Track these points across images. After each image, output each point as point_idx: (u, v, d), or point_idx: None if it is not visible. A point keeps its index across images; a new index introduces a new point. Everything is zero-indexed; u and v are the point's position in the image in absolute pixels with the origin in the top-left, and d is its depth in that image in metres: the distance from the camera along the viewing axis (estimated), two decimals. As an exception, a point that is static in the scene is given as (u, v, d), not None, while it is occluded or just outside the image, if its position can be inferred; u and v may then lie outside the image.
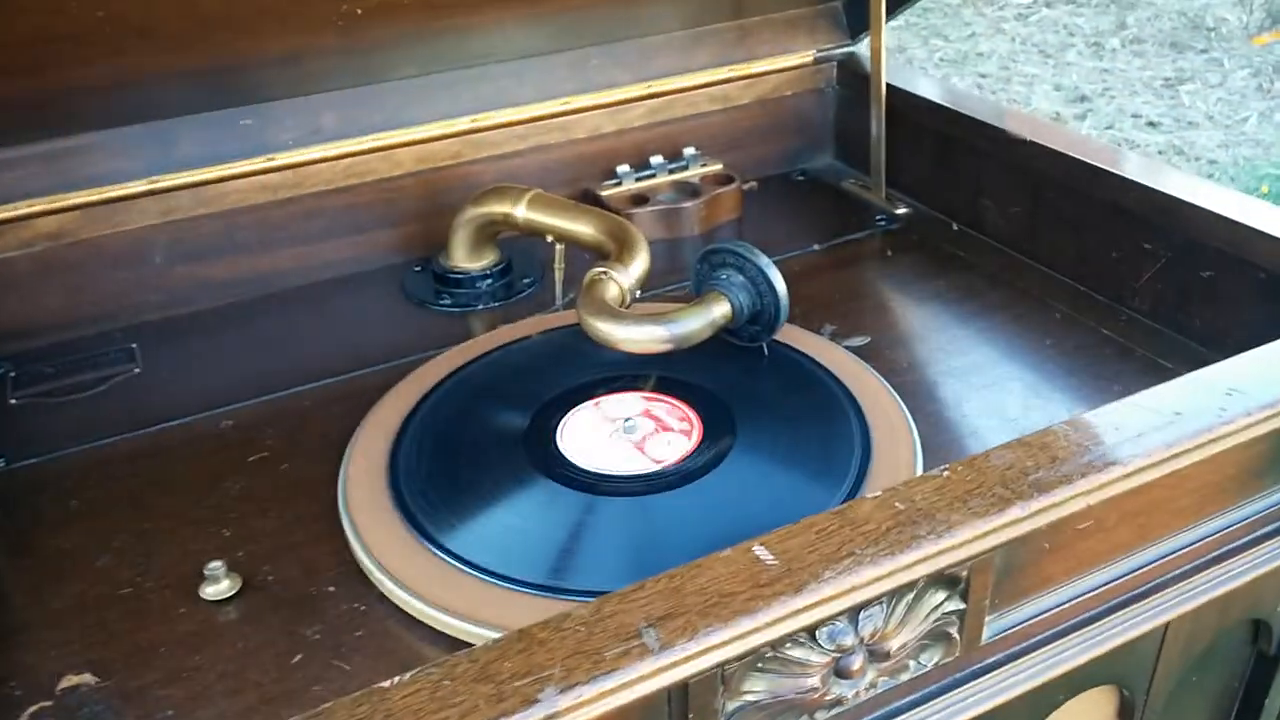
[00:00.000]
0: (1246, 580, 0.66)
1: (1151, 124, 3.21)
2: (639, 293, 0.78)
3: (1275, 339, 0.64)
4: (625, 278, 0.76)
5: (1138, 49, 3.71)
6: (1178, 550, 0.63)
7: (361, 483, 0.68)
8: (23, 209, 0.84)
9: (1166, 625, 0.65)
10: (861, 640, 0.51)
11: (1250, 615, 0.72)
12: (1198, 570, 0.64)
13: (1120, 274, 0.87)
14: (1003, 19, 4.02)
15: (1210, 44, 3.73)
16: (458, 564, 0.61)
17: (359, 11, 0.82)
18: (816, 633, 0.50)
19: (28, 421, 0.79)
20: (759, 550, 0.49)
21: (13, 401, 0.81)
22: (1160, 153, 3.04)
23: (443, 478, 0.68)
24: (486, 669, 0.43)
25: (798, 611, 0.47)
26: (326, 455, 0.73)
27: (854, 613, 0.50)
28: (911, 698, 0.57)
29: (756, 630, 0.46)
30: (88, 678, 0.58)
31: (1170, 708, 0.73)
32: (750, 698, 0.50)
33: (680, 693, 0.47)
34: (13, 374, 0.84)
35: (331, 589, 0.63)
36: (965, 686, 0.58)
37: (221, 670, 0.58)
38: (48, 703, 0.56)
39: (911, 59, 3.69)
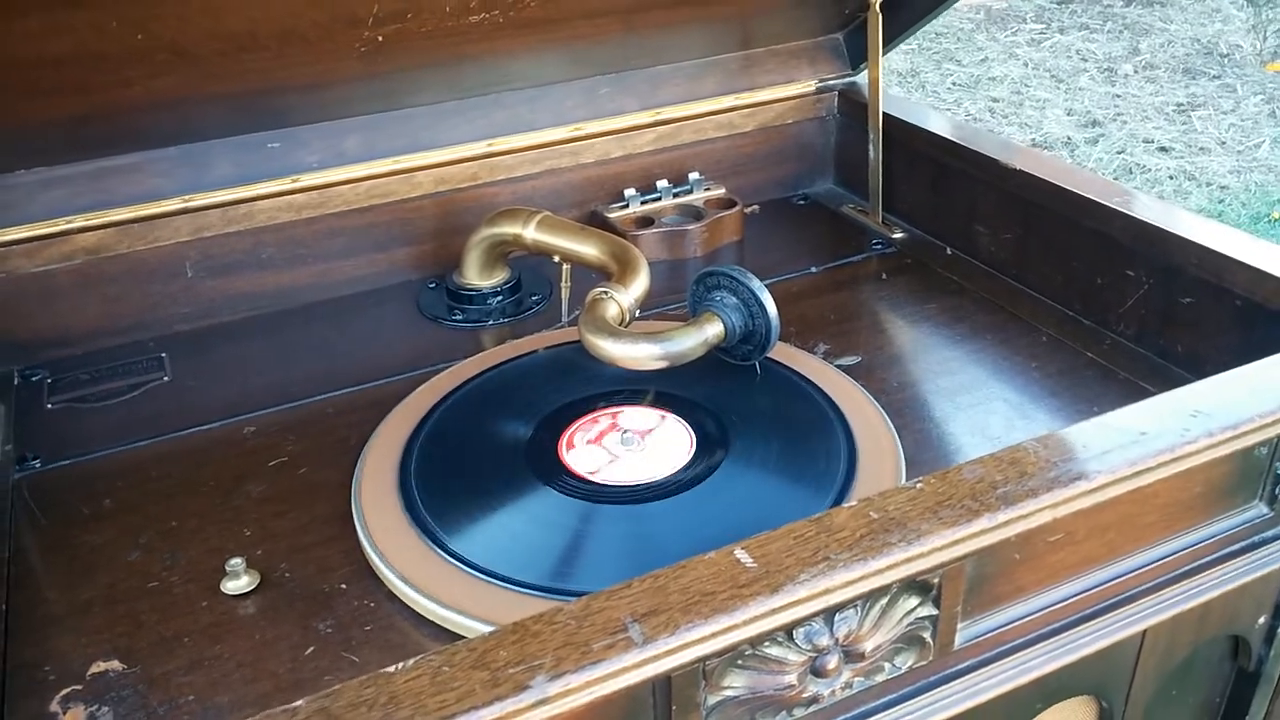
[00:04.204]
0: (1217, 594, 0.69)
1: (1163, 149, 3.23)
2: (639, 311, 0.82)
3: (1251, 363, 0.67)
4: (625, 297, 0.80)
5: (1150, 75, 3.74)
6: (1146, 565, 0.66)
7: (374, 487, 0.72)
8: (63, 225, 0.89)
9: (1143, 637, 0.68)
10: (837, 641, 0.55)
11: (1228, 631, 0.74)
12: (1167, 585, 0.67)
13: (1105, 300, 0.90)
14: (1015, 44, 4.05)
15: (1224, 70, 3.75)
16: (463, 565, 0.65)
17: (380, 39, 0.87)
18: (794, 632, 0.53)
19: (63, 425, 0.84)
20: (739, 554, 0.52)
21: (49, 406, 0.86)
22: (1171, 178, 3.06)
23: (451, 484, 0.72)
24: (483, 657, 0.47)
25: (774, 611, 0.50)
26: (342, 461, 0.77)
27: (829, 614, 0.54)
28: (887, 698, 0.59)
29: (735, 627, 0.50)
30: (116, 664, 0.62)
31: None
32: (730, 693, 0.53)
33: (664, 685, 0.50)
34: (50, 380, 0.89)
35: (343, 586, 0.67)
36: (939, 689, 0.61)
37: (240, 660, 0.62)
38: (78, 686, 0.60)
39: (924, 83, 3.73)
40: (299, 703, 0.45)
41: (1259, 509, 0.68)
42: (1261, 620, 0.75)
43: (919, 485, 0.57)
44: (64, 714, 0.59)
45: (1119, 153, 3.21)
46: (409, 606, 0.64)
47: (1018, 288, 0.98)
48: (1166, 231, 0.84)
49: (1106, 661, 0.68)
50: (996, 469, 0.58)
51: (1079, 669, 0.66)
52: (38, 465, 0.79)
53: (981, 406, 0.82)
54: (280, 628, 0.64)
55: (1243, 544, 0.69)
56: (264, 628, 0.64)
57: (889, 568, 0.53)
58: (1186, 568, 0.68)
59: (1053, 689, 0.67)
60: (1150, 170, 3.11)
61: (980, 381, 0.85)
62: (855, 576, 0.52)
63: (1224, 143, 3.26)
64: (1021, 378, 0.86)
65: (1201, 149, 3.23)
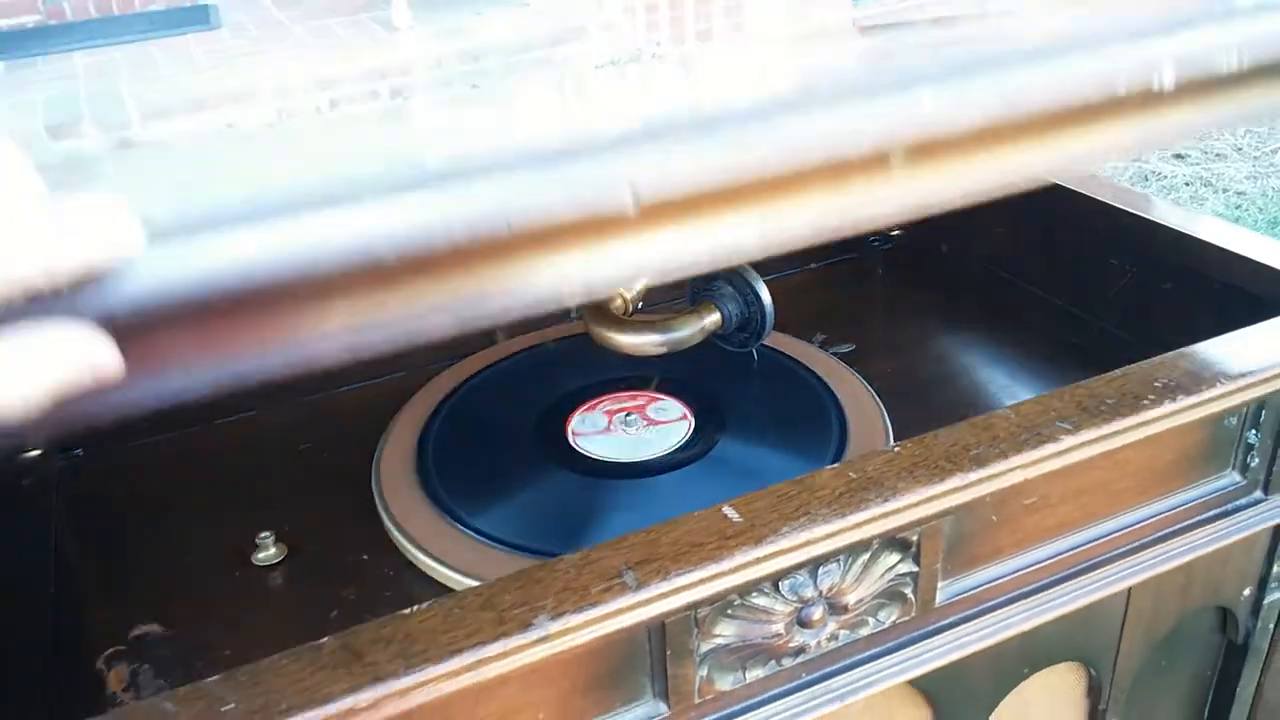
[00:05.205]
0: (1195, 558, 0.71)
1: (1178, 156, 3.25)
2: (641, 303, 0.87)
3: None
4: (628, 289, 0.84)
5: (1164, 83, 3.76)
6: (1122, 529, 0.69)
7: (393, 467, 0.77)
8: (101, 231, 0.95)
9: (1126, 603, 0.72)
10: (821, 593, 0.58)
11: (1215, 602, 0.77)
12: (1144, 548, 0.70)
13: (1091, 288, 0.94)
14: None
15: (1238, 78, 3.76)
16: (476, 535, 0.69)
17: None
18: (779, 583, 0.57)
19: (103, 418, 0.89)
20: (727, 510, 0.57)
21: (90, 401, 0.92)
22: (1188, 184, 3.09)
23: (465, 462, 0.76)
24: (490, 600, 0.51)
25: (759, 560, 0.54)
26: (364, 445, 0.81)
27: (813, 567, 0.58)
28: (872, 651, 0.63)
29: (722, 575, 0.54)
30: (155, 627, 0.67)
31: (1139, 690, 0.78)
32: (721, 640, 0.57)
33: (658, 631, 0.54)
34: (90, 377, 0.95)
35: (365, 557, 0.71)
36: (923, 643, 0.64)
37: (270, 622, 0.67)
38: (121, 648, 0.65)
39: (939, 95, 3.77)
40: (324, 640, 0.49)
41: (1232, 477, 0.72)
42: (1247, 592, 0.78)
43: (896, 449, 0.61)
44: (109, 672, 0.64)
45: (1134, 160, 3.24)
46: (425, 574, 0.69)
47: (1008, 279, 1.02)
48: (1146, 220, 0.88)
49: (1091, 626, 0.72)
50: (970, 433, 0.62)
51: (1063, 632, 0.69)
52: (80, 454, 0.84)
53: (970, 390, 0.86)
54: (307, 594, 0.69)
55: (1218, 510, 0.72)
56: (292, 595, 0.69)
57: (867, 522, 0.57)
58: (1163, 532, 0.70)
59: (1038, 653, 0.70)
60: (1167, 177, 3.13)
61: (970, 368, 0.89)
62: (835, 530, 0.56)
63: (1240, 149, 3.28)
64: (1010, 365, 0.90)
65: (1218, 155, 3.25)
